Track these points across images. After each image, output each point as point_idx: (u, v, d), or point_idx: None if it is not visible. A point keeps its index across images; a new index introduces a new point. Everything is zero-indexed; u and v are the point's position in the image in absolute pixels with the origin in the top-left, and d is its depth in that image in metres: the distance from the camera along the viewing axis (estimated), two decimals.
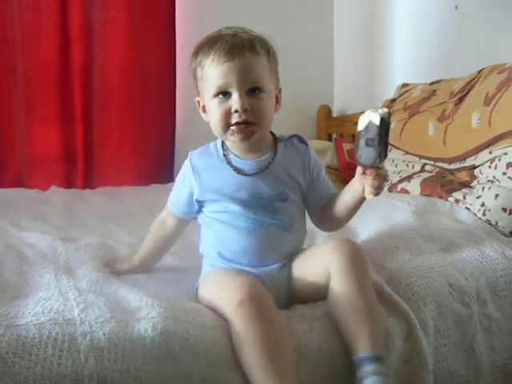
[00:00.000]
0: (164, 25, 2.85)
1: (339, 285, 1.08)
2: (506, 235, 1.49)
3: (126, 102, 2.83)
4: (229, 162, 1.21)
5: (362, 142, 1.09)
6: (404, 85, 2.37)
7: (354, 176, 1.17)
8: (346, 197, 1.20)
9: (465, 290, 1.22)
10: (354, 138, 2.86)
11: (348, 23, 3.10)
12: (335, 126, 3.08)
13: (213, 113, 1.17)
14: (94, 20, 2.75)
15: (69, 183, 2.75)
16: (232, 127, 1.15)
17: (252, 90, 1.15)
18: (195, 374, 0.97)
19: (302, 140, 1.28)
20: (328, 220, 1.27)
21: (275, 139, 1.26)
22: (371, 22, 2.84)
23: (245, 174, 1.20)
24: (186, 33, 2.90)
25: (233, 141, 1.19)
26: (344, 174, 2.35)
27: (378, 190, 1.11)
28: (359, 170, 1.13)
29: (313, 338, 1.07)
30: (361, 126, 1.10)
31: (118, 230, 1.77)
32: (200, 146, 1.30)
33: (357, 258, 1.10)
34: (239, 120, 1.14)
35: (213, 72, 1.15)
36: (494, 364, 1.22)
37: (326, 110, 3.15)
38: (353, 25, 3.06)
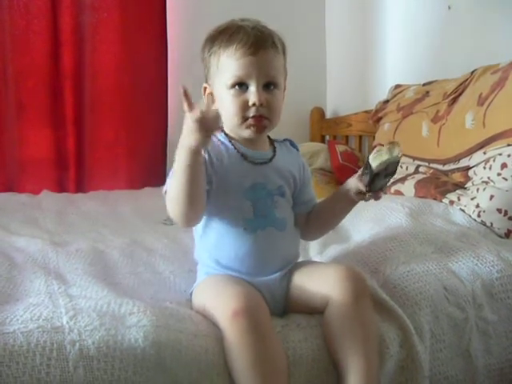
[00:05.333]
0: (156, 27, 2.84)
1: (338, 318, 1.06)
2: (501, 236, 1.48)
3: (118, 106, 2.82)
4: (236, 149, 1.20)
5: (379, 178, 1.18)
6: (397, 86, 2.36)
7: (347, 178, 1.18)
8: (338, 198, 1.24)
9: (460, 293, 1.21)
10: (347, 139, 2.86)
11: (340, 25, 3.10)
12: (328, 127, 3.07)
13: (228, 104, 1.16)
14: (85, 22, 2.74)
15: (61, 187, 2.74)
16: (248, 120, 1.15)
17: (267, 85, 1.16)
18: None
19: (293, 144, 1.30)
20: (314, 226, 1.29)
21: (271, 141, 1.27)
22: (363, 24, 2.83)
23: (251, 162, 1.19)
24: (178, 35, 2.90)
25: (245, 135, 1.18)
26: (337, 175, 2.34)
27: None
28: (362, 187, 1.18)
29: (307, 348, 1.06)
30: (377, 165, 1.17)
31: (109, 234, 1.75)
32: None
33: (359, 294, 1.08)
34: (256, 114, 1.14)
35: (233, 63, 1.15)
36: (490, 368, 1.21)
37: (318, 112, 3.15)
38: (345, 26, 3.05)
